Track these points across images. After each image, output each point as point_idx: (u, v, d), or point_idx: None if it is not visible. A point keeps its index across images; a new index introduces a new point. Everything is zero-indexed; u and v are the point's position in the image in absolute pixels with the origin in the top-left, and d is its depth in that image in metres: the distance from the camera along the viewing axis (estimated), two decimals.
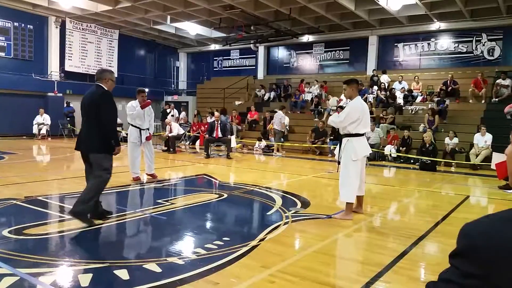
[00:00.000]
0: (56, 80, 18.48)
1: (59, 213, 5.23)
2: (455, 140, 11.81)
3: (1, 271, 3.09)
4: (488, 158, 9.78)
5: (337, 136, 11.23)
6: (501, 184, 8.10)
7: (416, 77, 15.91)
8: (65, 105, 18.57)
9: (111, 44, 20.69)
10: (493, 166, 8.49)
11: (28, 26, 17.81)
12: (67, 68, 18.88)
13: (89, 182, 4.63)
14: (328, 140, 13.85)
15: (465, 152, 11.70)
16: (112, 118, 4.68)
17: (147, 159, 7.75)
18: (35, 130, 17.00)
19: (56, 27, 18.51)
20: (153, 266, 3.31)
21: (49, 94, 18.31)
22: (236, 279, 3.12)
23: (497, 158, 8.24)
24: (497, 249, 0.85)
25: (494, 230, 0.88)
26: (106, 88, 4.70)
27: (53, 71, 18.55)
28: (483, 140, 11.24)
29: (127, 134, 8.24)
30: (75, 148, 4.75)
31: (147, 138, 7.71)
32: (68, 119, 18.45)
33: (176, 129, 13.50)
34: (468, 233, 0.91)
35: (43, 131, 17.00)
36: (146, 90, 8.06)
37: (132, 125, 7.62)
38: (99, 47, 20.19)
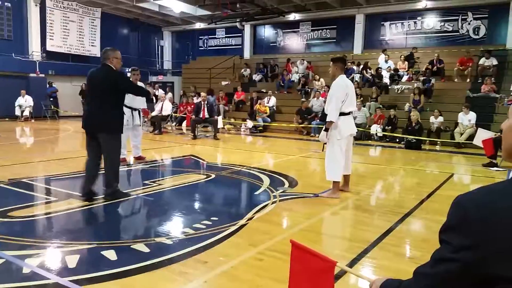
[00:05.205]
0: (37, 61, 18.00)
1: (44, 195, 5.17)
2: (440, 119, 11.94)
3: None
4: (472, 137, 9.92)
5: (323, 116, 11.25)
6: (485, 162, 8.25)
7: (402, 56, 15.92)
8: (47, 85, 18.17)
9: (93, 23, 20.16)
10: (475, 142, 8.58)
11: (6, 3, 17.18)
12: (48, 48, 18.35)
13: (104, 165, 4.70)
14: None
15: (450, 130, 11.85)
16: (133, 84, 5.27)
17: (133, 143, 7.65)
18: (17, 112, 16.63)
19: (36, 5, 17.89)
20: (141, 247, 3.31)
21: (31, 75, 17.85)
22: (225, 258, 3.14)
23: (483, 134, 8.33)
24: (487, 220, 0.87)
25: (485, 202, 0.89)
26: (114, 67, 4.70)
27: (34, 51, 18.02)
28: (467, 119, 11.37)
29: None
30: (82, 126, 4.72)
31: (144, 112, 7.68)
32: (51, 99, 18.07)
33: (169, 109, 13.44)
34: (462, 204, 0.92)
35: (26, 113, 16.66)
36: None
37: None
38: (81, 26, 19.65)
